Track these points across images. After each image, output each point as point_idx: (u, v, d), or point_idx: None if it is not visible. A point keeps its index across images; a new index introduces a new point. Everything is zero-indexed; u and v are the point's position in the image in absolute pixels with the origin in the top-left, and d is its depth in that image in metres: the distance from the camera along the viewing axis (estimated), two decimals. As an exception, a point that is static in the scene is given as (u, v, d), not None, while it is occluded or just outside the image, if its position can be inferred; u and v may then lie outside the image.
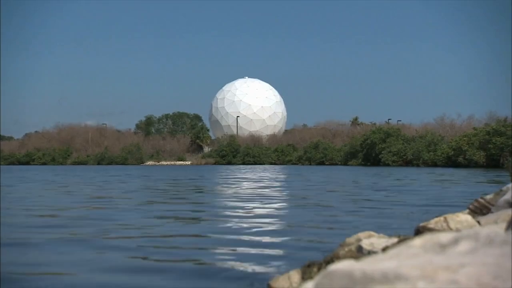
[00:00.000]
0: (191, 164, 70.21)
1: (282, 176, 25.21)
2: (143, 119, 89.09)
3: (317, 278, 1.40)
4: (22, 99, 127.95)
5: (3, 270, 3.72)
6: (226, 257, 4.33)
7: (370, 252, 2.73)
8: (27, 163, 75.39)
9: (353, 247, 2.94)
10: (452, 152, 42.76)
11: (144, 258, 4.28)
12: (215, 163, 68.63)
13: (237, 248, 4.70)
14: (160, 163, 72.73)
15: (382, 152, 50.93)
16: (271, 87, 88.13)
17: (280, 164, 64.24)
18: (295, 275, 2.78)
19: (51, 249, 4.71)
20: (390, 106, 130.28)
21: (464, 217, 2.99)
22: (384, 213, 7.57)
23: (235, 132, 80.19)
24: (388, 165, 48.17)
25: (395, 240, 2.89)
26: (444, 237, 1.52)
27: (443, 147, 45.75)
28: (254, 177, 23.20)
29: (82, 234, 5.55)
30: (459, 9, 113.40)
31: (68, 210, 8.33)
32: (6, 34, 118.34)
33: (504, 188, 3.52)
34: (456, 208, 5.27)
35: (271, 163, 65.26)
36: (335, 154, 61.31)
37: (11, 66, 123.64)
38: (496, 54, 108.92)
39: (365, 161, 52.74)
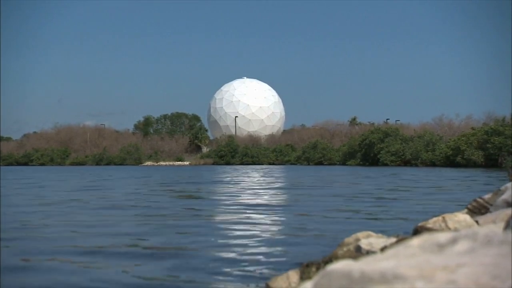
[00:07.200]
0: (190, 164, 70.12)
1: (282, 176, 25.20)
2: (142, 119, 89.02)
3: (316, 278, 1.40)
4: (22, 99, 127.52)
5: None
6: (225, 257, 4.32)
7: (368, 252, 2.73)
8: (26, 163, 75.15)
9: (351, 247, 2.94)
10: (451, 152, 42.77)
11: (145, 256, 4.27)
12: (213, 164, 68.57)
13: (236, 249, 4.70)
14: (158, 163, 72.60)
15: (381, 152, 50.91)
16: (270, 87, 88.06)
17: (279, 164, 64.20)
18: (293, 275, 2.78)
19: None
20: (388, 106, 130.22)
21: (462, 217, 2.99)
22: (383, 213, 7.57)
23: (233, 132, 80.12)
24: (386, 165, 48.15)
25: (393, 240, 2.90)
26: (442, 237, 1.52)
27: (441, 147, 45.74)
28: (253, 177, 23.19)
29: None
30: (458, 9, 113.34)
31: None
32: (6, 34, 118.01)
33: (503, 187, 3.52)
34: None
35: (269, 163, 65.21)
36: (333, 154, 61.30)
37: (11, 66, 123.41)
38: (494, 54, 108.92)
39: (364, 161, 52.71)
